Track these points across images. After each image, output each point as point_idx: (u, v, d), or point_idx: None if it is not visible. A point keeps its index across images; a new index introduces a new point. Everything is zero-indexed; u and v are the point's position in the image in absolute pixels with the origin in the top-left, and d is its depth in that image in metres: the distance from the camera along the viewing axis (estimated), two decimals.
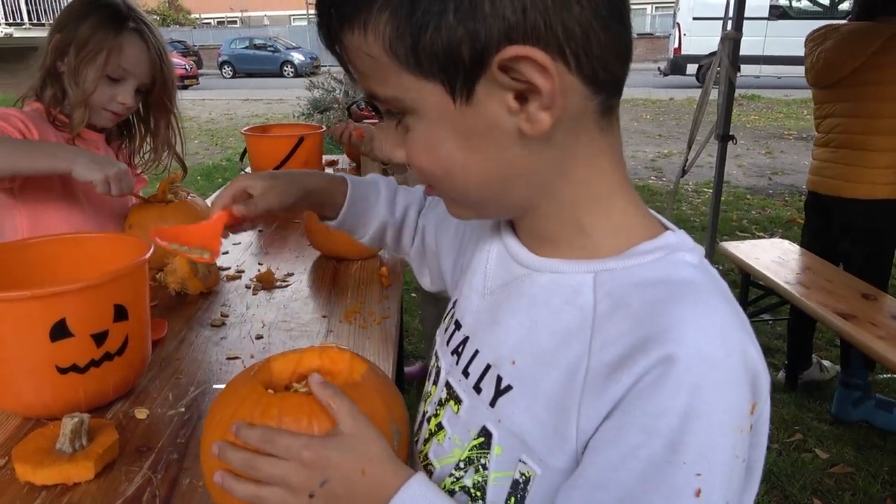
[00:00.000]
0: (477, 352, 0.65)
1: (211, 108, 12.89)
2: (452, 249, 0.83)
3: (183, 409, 1.03)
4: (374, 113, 2.55)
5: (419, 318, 2.27)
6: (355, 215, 0.91)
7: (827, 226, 2.74)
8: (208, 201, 0.80)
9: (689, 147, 3.46)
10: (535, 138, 0.52)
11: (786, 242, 3.06)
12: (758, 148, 8.33)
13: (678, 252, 0.57)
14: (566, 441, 0.55)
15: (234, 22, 40.40)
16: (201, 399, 1.07)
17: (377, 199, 0.91)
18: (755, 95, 12.54)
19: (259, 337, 1.28)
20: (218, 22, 40.50)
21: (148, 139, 1.65)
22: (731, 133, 3.47)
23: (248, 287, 1.54)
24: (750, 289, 2.99)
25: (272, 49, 22.40)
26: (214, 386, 1.10)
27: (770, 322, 3.39)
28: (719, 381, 0.50)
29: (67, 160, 1.30)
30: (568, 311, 0.58)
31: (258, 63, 22.12)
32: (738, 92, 3.58)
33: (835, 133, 2.59)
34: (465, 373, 0.66)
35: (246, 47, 22.60)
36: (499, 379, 0.61)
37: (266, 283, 1.54)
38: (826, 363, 2.95)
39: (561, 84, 0.50)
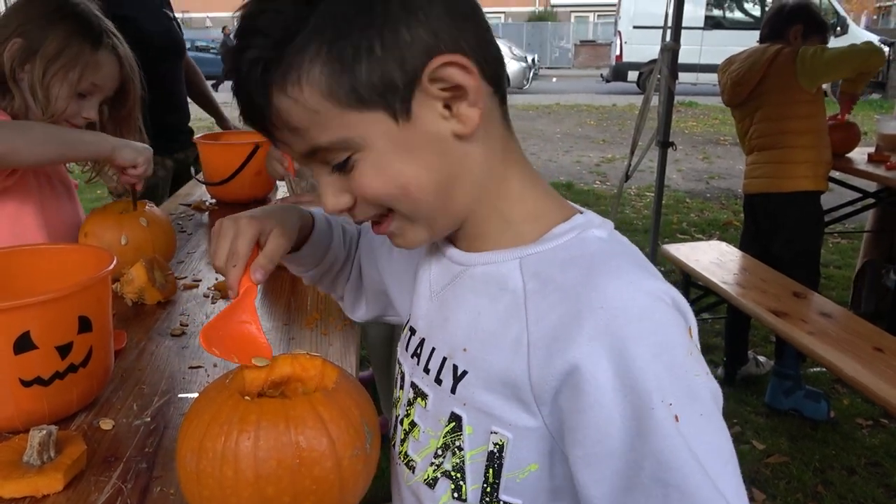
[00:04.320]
0: (434, 349, 0.71)
1: None
2: (401, 271, 0.86)
3: (149, 419, 1.04)
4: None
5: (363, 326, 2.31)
6: (313, 250, 0.90)
7: (762, 228, 2.94)
8: (219, 256, 0.77)
9: (632, 153, 3.60)
10: (467, 136, 0.62)
11: (723, 244, 3.22)
12: (695, 153, 8.65)
13: (589, 229, 0.66)
14: (527, 404, 0.62)
15: None
16: (166, 408, 1.08)
17: (331, 235, 0.91)
18: (692, 102, 12.99)
19: None
20: None
21: None
22: (670, 140, 3.62)
23: (206, 296, 1.54)
24: (690, 289, 3.12)
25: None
26: (179, 395, 1.11)
27: (709, 320, 3.54)
28: (657, 324, 0.58)
29: (108, 145, 1.40)
30: (503, 295, 0.65)
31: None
32: (676, 99, 3.73)
33: (755, 139, 2.91)
34: (426, 370, 0.72)
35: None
36: (454, 367, 0.68)
37: (225, 291, 1.55)
38: (762, 358, 3.12)
39: (478, 83, 0.60)
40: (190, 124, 2.91)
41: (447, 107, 0.60)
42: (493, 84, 0.64)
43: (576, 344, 0.57)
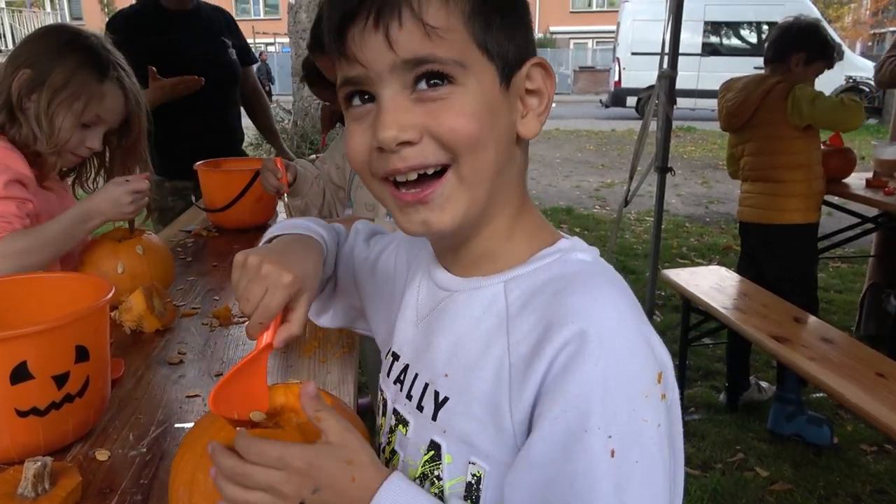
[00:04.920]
0: (416, 375, 0.71)
1: None
2: (381, 295, 0.85)
3: (144, 450, 1.03)
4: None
5: (361, 352, 2.31)
6: None
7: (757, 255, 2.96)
8: (250, 304, 0.73)
9: (631, 177, 3.61)
10: (521, 139, 0.65)
11: (723, 269, 3.21)
12: (694, 178, 8.68)
13: (572, 252, 0.66)
14: (505, 433, 0.61)
15: None
16: (163, 439, 1.07)
17: (326, 256, 0.88)
18: (691, 127, 13.07)
19: (218, 374, 1.29)
20: None
21: (102, 173, 1.65)
22: (669, 165, 3.64)
23: (205, 324, 1.54)
24: (691, 314, 3.11)
25: None
26: (176, 425, 1.10)
27: (710, 346, 3.52)
28: (618, 349, 0.56)
29: (96, 218, 1.42)
30: (486, 319, 0.65)
31: None
32: (674, 124, 3.76)
33: (747, 170, 2.94)
34: (409, 396, 0.71)
35: None
36: (436, 394, 0.67)
37: (223, 319, 1.55)
38: (763, 384, 3.09)
39: (552, 94, 0.65)
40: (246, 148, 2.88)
41: (524, 106, 0.65)
42: None
43: (546, 359, 0.57)
